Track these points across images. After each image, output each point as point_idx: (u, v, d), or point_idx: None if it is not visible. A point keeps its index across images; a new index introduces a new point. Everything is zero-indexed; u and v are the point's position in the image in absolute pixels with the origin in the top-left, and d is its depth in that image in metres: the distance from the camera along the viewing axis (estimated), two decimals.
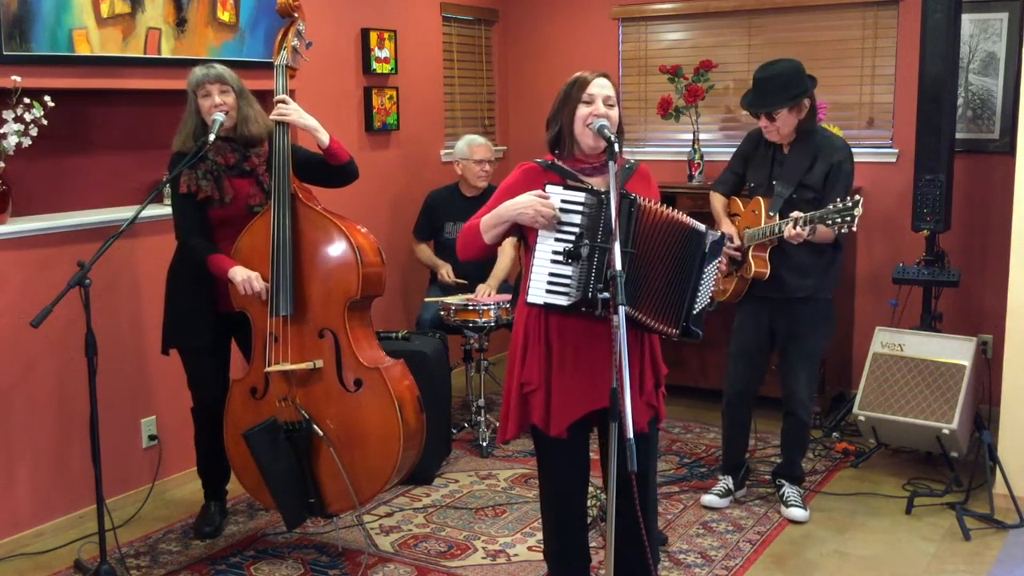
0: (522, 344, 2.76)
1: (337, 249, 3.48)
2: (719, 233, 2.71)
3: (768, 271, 3.81)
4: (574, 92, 2.71)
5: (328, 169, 3.63)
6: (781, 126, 3.77)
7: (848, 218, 3.48)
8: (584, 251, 2.53)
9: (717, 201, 4.12)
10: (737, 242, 3.87)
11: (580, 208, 2.57)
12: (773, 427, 4.45)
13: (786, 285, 3.83)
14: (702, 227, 2.65)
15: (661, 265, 2.62)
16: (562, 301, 2.58)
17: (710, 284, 2.71)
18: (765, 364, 4.02)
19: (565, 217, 2.58)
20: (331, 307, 3.47)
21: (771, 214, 3.79)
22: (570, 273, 2.56)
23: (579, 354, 2.69)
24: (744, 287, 3.91)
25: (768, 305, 3.90)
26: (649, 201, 2.62)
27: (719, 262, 2.74)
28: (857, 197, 3.50)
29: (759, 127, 3.90)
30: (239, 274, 3.46)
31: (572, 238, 2.56)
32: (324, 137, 3.54)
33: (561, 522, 2.89)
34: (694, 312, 2.65)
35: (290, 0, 3.59)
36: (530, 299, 2.60)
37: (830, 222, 3.53)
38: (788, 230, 3.60)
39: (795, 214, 3.62)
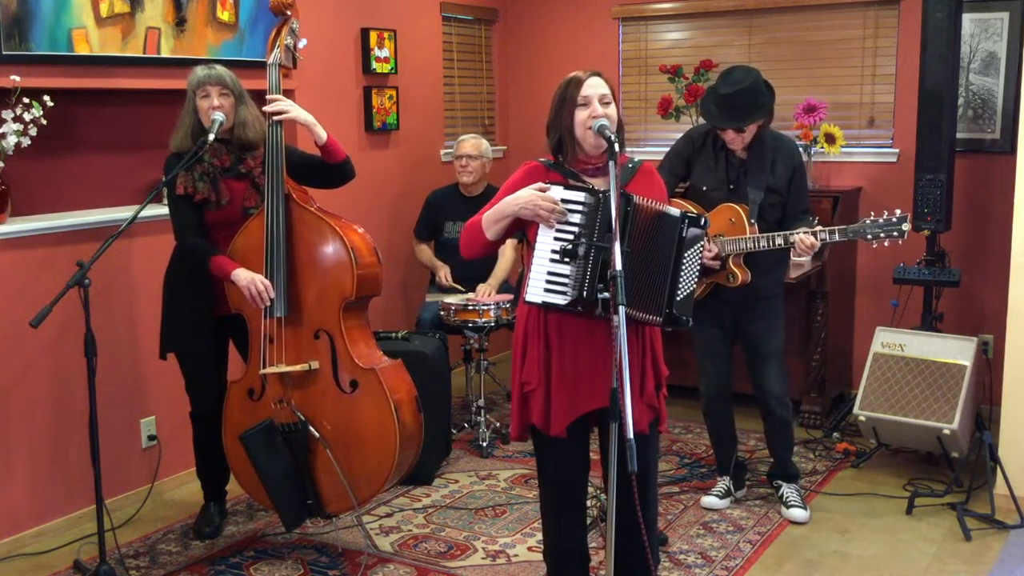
0: (522, 343, 2.76)
1: (331, 249, 3.46)
2: (697, 216, 2.65)
3: (749, 276, 3.79)
4: (569, 94, 2.70)
5: (324, 168, 3.61)
6: (747, 135, 3.77)
7: (895, 233, 3.58)
8: (581, 250, 2.53)
9: None
10: (715, 250, 3.75)
11: (580, 208, 2.57)
12: None
13: (754, 286, 3.81)
14: (676, 212, 2.64)
15: (644, 256, 2.61)
16: (560, 300, 2.58)
17: (694, 269, 2.66)
18: (731, 357, 4.02)
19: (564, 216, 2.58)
20: (326, 308, 3.46)
21: (752, 222, 3.75)
22: (568, 272, 2.56)
23: (578, 353, 2.68)
24: (707, 291, 3.86)
25: (730, 306, 3.88)
26: (644, 199, 2.62)
27: (702, 247, 2.68)
28: (903, 212, 3.59)
29: (700, 127, 3.90)
30: (243, 277, 3.44)
31: (571, 237, 2.56)
32: (322, 133, 3.53)
33: (560, 522, 2.89)
34: (677, 299, 2.62)
35: None
36: (528, 298, 2.60)
37: (871, 236, 3.60)
38: (808, 241, 3.61)
39: (819, 228, 3.66)
